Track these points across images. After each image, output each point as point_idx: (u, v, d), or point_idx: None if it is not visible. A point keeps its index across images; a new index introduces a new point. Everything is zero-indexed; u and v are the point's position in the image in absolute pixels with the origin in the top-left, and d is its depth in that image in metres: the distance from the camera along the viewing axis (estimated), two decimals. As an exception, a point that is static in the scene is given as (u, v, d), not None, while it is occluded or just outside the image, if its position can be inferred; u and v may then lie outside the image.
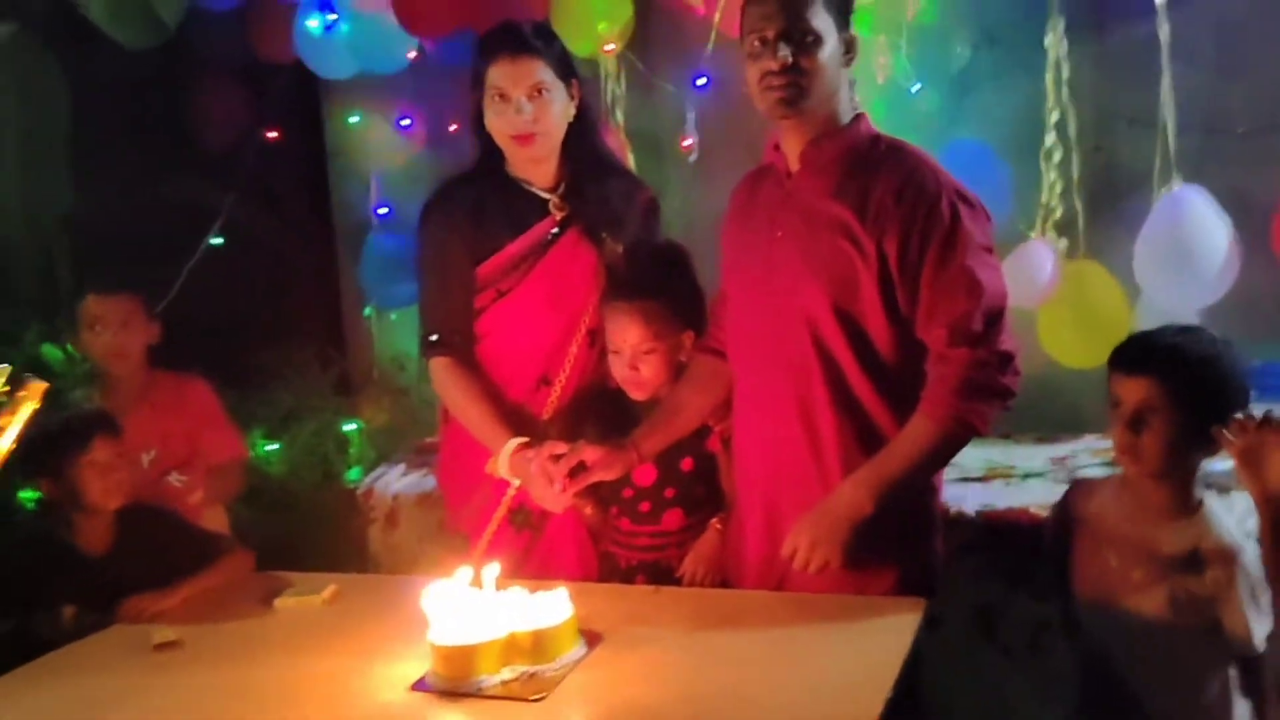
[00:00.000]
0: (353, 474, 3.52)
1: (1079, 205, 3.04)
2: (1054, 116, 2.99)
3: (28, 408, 1.48)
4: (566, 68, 2.26)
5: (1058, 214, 3.02)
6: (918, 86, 3.12)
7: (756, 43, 1.92)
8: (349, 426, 3.64)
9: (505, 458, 2.18)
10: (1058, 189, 3.01)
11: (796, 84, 1.90)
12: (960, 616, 2.48)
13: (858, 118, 2.00)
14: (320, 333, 3.95)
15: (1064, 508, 1.98)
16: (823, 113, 1.95)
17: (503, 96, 2.19)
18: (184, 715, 1.72)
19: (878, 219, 1.89)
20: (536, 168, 2.28)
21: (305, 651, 1.92)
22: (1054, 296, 3.02)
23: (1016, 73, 3.11)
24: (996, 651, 2.48)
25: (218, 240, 3.75)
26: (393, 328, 4.04)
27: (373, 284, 4.01)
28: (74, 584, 2.21)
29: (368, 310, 4.11)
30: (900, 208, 1.88)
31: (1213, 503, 1.82)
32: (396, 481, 3.37)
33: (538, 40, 2.23)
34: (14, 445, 1.50)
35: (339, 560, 3.20)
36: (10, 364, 1.53)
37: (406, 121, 3.88)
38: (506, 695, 1.66)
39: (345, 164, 4.14)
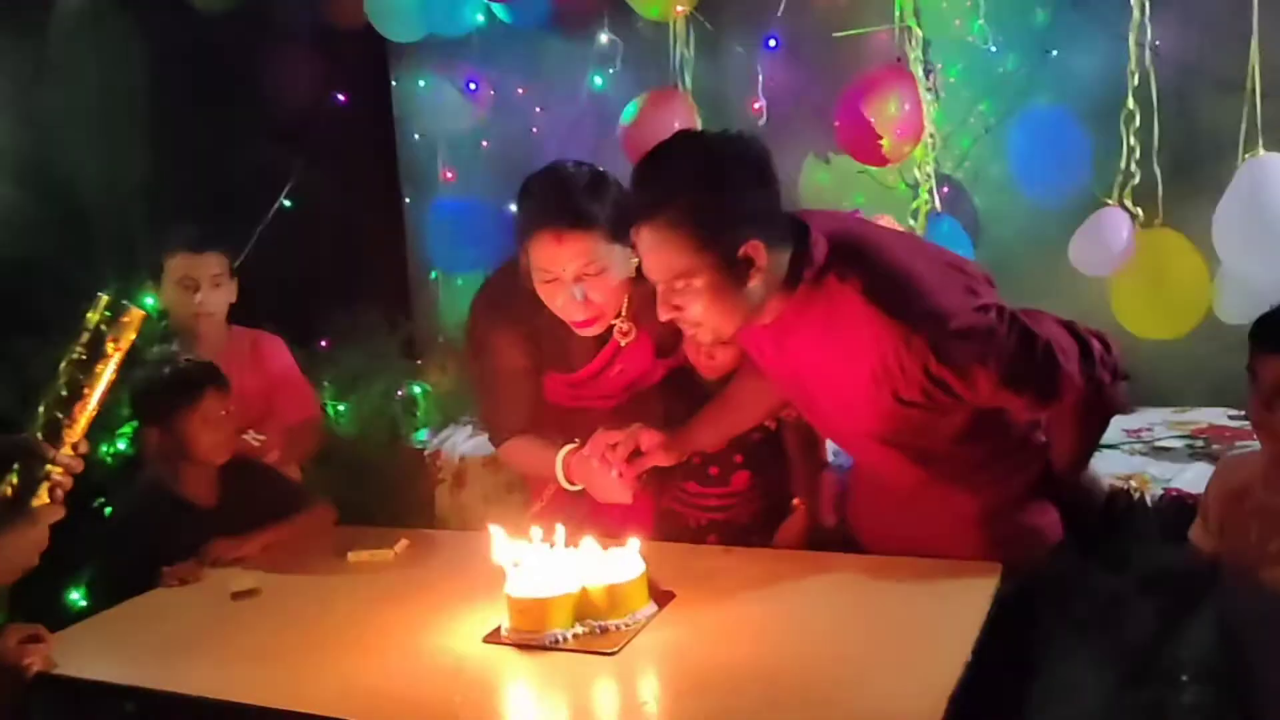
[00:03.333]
0: (420, 435, 3.56)
1: (1158, 172, 2.96)
2: (1135, 80, 2.91)
3: (130, 335, 1.50)
4: (623, 223, 1.87)
5: (1136, 180, 2.95)
6: (994, 49, 3.06)
7: None
8: (416, 389, 3.67)
9: (560, 466, 2.11)
10: (1137, 154, 2.94)
11: (700, 328, 1.77)
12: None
13: (801, 261, 1.74)
14: (387, 296, 3.97)
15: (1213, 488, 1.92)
16: (755, 305, 1.75)
17: (550, 278, 1.97)
18: (261, 660, 1.75)
19: (886, 378, 1.73)
20: None
21: (380, 603, 1.95)
22: (1129, 266, 2.96)
23: (1098, 34, 3.03)
24: (1066, 624, 2.43)
25: (288, 203, 3.79)
26: (458, 292, 4.06)
27: (438, 248, 4.04)
28: (190, 536, 2.22)
29: (433, 274, 4.13)
30: (897, 367, 1.70)
31: None
32: (463, 443, 3.41)
33: (589, 205, 1.93)
34: (115, 375, 1.52)
35: (406, 519, 3.24)
36: (88, 323, 1.55)
37: (474, 85, 3.89)
38: (580, 649, 1.67)
39: (412, 128, 4.16)
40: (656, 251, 1.72)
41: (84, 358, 1.49)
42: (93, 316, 1.50)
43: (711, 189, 1.68)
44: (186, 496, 2.31)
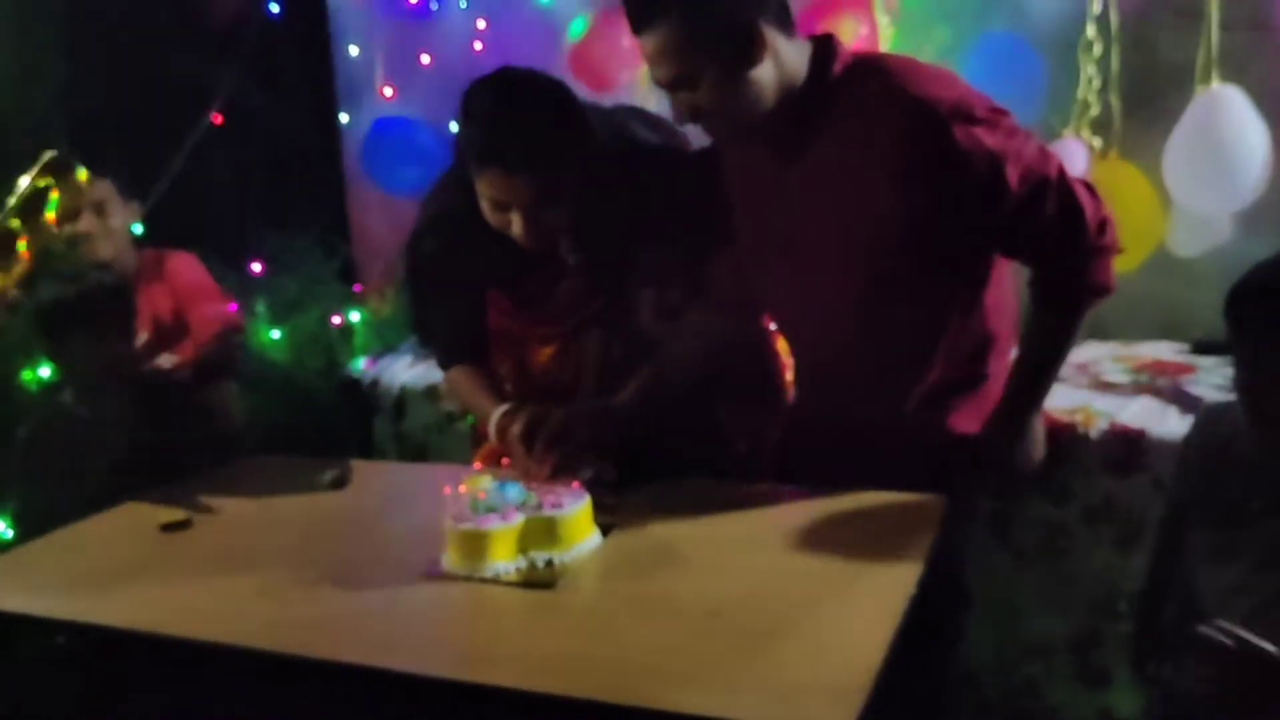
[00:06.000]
0: (357, 363, 3.46)
1: (1115, 103, 2.92)
2: (1096, 7, 2.85)
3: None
4: (576, 142, 1.88)
5: (1094, 111, 2.90)
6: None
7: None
8: (354, 315, 3.56)
9: (494, 428, 1.99)
10: (1095, 85, 2.89)
11: (714, 118, 1.79)
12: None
13: (825, 56, 1.79)
14: (323, 219, 3.83)
15: (1197, 435, 1.80)
16: (767, 92, 1.75)
17: (500, 207, 1.89)
18: (194, 593, 1.68)
19: (907, 179, 1.73)
20: None
21: (317, 536, 1.89)
22: (1084, 198, 2.93)
23: (1056, -41, 2.96)
24: (1008, 554, 2.45)
25: (217, 120, 3.62)
26: (399, 215, 3.93)
27: (378, 169, 3.90)
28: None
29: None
30: (925, 157, 1.70)
31: None
32: (403, 372, 3.32)
33: (544, 139, 1.82)
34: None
35: (344, 450, 3.16)
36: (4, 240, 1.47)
37: (414, -2, 3.73)
38: (522, 582, 1.62)
39: (348, 41, 3.98)
40: (660, 60, 1.74)
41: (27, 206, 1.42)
42: (36, 180, 1.43)
43: None
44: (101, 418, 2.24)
